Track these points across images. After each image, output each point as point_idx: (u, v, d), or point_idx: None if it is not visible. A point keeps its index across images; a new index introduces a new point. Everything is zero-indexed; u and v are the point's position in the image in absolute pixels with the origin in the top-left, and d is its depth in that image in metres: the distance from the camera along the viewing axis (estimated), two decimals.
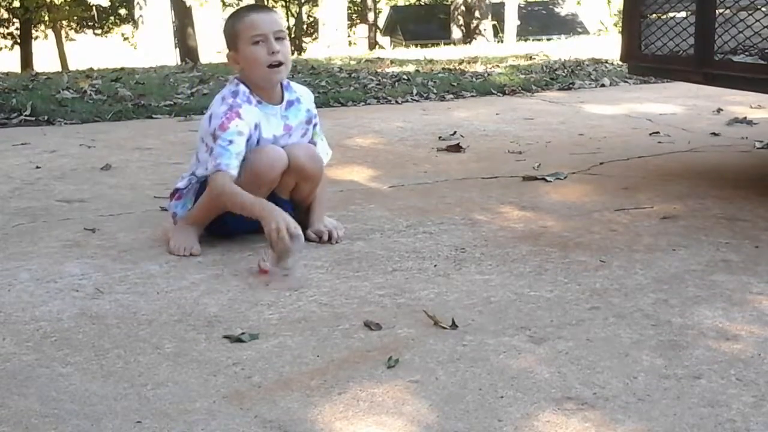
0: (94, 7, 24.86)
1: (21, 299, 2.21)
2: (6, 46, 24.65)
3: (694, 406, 1.61)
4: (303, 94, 2.77)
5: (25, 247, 2.67)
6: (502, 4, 23.73)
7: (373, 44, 26.41)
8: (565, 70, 7.99)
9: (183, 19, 18.77)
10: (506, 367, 1.79)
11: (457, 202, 3.18)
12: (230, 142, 2.50)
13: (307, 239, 2.69)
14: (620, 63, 5.45)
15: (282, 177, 2.60)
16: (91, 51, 23.98)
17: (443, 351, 1.87)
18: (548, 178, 3.54)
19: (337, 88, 6.62)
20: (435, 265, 2.46)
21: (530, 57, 9.80)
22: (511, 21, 22.80)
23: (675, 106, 5.76)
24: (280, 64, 2.57)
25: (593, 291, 2.24)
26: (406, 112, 5.74)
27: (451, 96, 6.57)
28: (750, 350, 1.86)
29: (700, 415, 1.58)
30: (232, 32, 2.60)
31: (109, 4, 26.04)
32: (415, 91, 6.56)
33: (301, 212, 2.76)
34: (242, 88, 2.61)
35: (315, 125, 2.82)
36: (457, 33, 22.61)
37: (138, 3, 18.33)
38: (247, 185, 2.51)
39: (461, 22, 22.84)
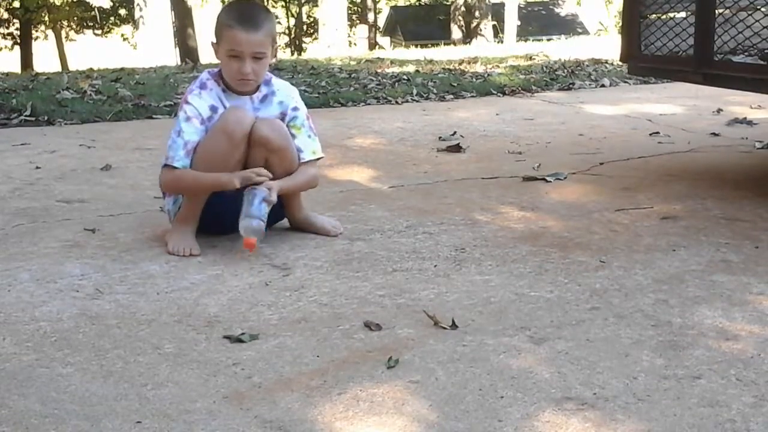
0: (96, 9, 24.88)
1: (21, 299, 2.21)
2: (6, 47, 24.66)
3: (694, 406, 1.61)
4: (280, 89, 2.76)
5: (25, 247, 2.67)
6: (502, 5, 23.74)
7: (373, 44, 26.41)
8: (565, 71, 7.99)
9: (183, 19, 18.75)
10: (506, 367, 1.79)
11: (457, 203, 3.18)
12: (179, 132, 2.60)
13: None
14: (620, 63, 5.45)
15: (250, 152, 2.61)
16: (91, 51, 23.99)
17: (443, 351, 1.87)
18: (548, 179, 3.54)
19: (337, 89, 6.62)
20: (435, 266, 2.46)
21: (530, 57, 9.81)
22: (511, 21, 22.81)
23: (675, 106, 5.77)
24: (249, 80, 2.61)
25: (593, 291, 2.24)
26: (406, 112, 5.74)
27: (451, 96, 6.57)
28: (750, 350, 1.86)
29: (700, 415, 1.58)
30: (218, 31, 2.64)
31: (111, 4, 26.07)
32: (415, 92, 6.56)
33: (292, 208, 2.76)
34: (204, 76, 2.69)
35: (294, 118, 2.73)
36: (457, 33, 22.63)
37: (138, 4, 18.33)
38: (220, 147, 2.56)
39: (461, 22, 22.86)
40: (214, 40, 2.66)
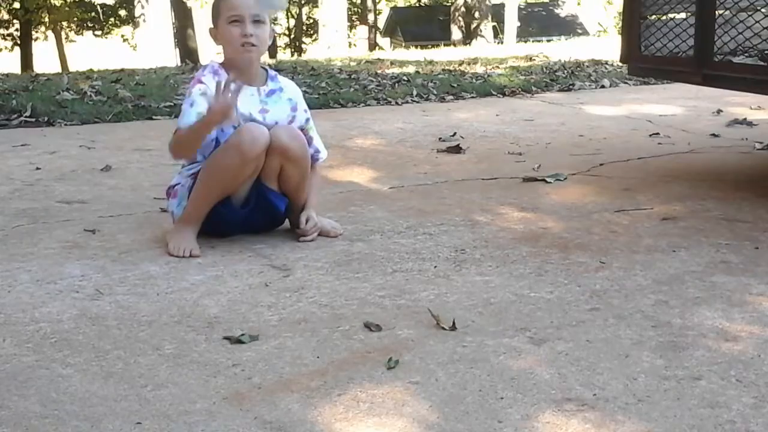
0: (98, 7, 24.87)
1: (21, 300, 2.21)
2: (6, 48, 24.65)
3: (694, 407, 1.61)
4: (287, 86, 2.80)
5: (25, 248, 2.67)
6: (502, 5, 23.75)
7: (373, 45, 26.41)
8: (565, 72, 7.99)
9: (183, 20, 18.78)
10: (506, 368, 1.79)
11: (457, 204, 3.18)
12: (191, 103, 2.59)
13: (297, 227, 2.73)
14: (620, 64, 5.46)
15: (266, 159, 2.61)
16: (91, 52, 23.99)
17: (443, 352, 1.87)
18: (548, 180, 3.54)
19: (337, 90, 6.62)
20: (435, 267, 2.46)
21: (530, 58, 9.81)
22: (511, 22, 22.82)
23: (675, 107, 5.77)
24: (252, 45, 2.63)
25: (593, 292, 2.24)
26: (406, 113, 5.74)
27: (451, 97, 6.58)
28: (750, 351, 1.86)
29: (700, 416, 1.58)
30: (215, 9, 2.69)
31: (113, 2, 26.08)
32: (415, 92, 6.56)
33: (297, 211, 2.76)
34: (213, 65, 2.71)
35: (307, 120, 2.82)
36: (457, 34, 22.62)
37: (140, 2, 18.34)
38: (232, 165, 2.55)
39: (461, 23, 22.85)
40: (212, 27, 2.70)
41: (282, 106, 2.74)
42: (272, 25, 2.74)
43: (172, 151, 2.65)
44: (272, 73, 2.78)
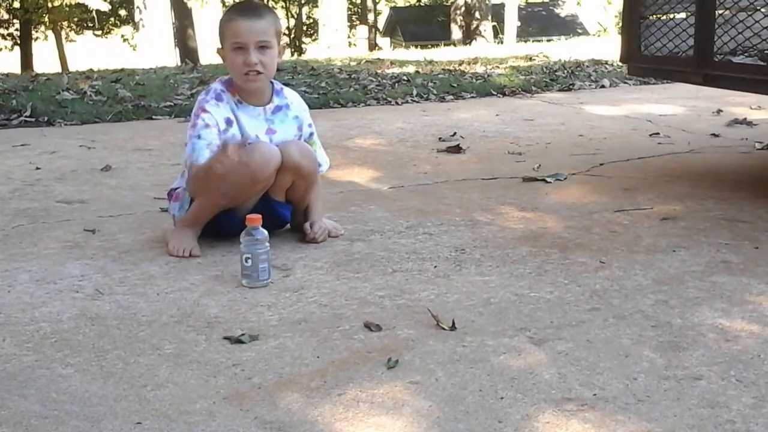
0: (93, 11, 24.93)
1: (21, 300, 2.21)
2: (6, 47, 24.66)
3: (694, 407, 1.61)
4: (294, 101, 2.76)
5: (25, 248, 2.67)
6: (502, 5, 23.76)
7: (372, 45, 26.40)
8: (565, 71, 7.99)
9: (183, 20, 18.77)
10: (506, 368, 1.79)
11: (457, 203, 3.18)
12: (199, 136, 2.56)
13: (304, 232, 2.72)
14: (620, 64, 5.46)
15: (277, 176, 2.60)
16: (91, 52, 23.98)
17: (443, 352, 1.87)
18: (548, 179, 3.54)
19: (337, 89, 6.62)
20: (435, 266, 2.46)
21: (530, 58, 9.80)
22: (511, 22, 22.83)
23: (675, 107, 5.77)
24: (257, 73, 2.57)
25: (593, 292, 2.24)
26: (406, 113, 5.74)
27: (451, 97, 6.58)
28: (750, 351, 1.86)
29: (700, 416, 1.58)
30: (221, 30, 2.62)
31: (110, 7, 26.14)
32: (415, 92, 6.56)
33: (299, 214, 2.76)
34: (218, 86, 2.65)
35: (311, 134, 2.80)
36: (457, 34, 22.64)
37: (138, 6, 18.34)
38: (242, 184, 2.53)
39: (461, 23, 22.88)
40: (220, 47, 2.64)
41: (289, 126, 2.71)
42: (281, 44, 2.65)
43: (195, 190, 2.60)
44: (278, 87, 2.72)
